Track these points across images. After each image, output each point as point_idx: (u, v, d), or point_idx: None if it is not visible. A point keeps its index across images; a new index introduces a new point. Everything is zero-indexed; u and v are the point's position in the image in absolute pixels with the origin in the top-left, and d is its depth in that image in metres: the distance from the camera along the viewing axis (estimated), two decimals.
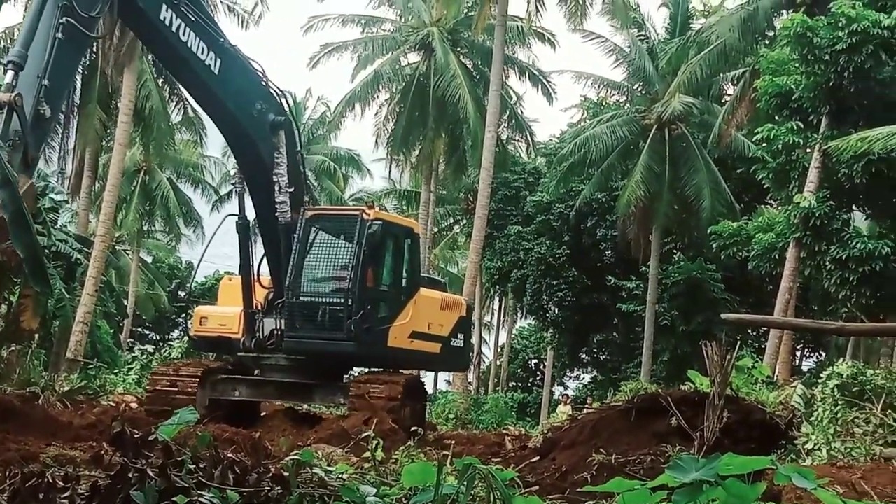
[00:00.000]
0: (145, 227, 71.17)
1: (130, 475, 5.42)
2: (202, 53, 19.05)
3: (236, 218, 22.13)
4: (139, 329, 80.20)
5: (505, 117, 54.34)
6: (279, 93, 21.25)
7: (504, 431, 28.74)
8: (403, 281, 22.29)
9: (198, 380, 20.96)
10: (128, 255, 73.09)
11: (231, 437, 14.08)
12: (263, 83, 20.90)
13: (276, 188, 20.91)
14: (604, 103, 57.18)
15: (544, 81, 55.86)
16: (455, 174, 58.87)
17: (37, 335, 37.85)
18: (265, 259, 21.87)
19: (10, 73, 14.72)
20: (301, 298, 21.07)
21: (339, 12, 56.51)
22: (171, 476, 5.43)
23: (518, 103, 57.83)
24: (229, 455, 6.01)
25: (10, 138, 14.12)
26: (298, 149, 21.91)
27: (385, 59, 56.39)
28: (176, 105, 48.62)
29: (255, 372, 21.74)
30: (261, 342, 21.28)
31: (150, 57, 41.23)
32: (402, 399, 19.71)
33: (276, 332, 21.18)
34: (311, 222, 21.40)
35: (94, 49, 43.36)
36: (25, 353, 30.07)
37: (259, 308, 21.51)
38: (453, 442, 15.11)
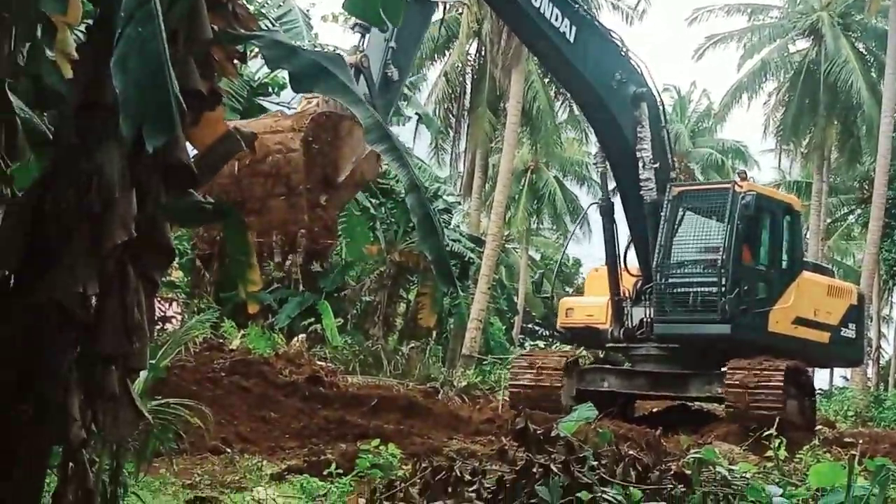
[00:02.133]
0: (533, 226, 72.46)
1: (534, 470, 5.52)
2: (556, 20, 18.48)
3: (599, 201, 21.65)
4: (529, 325, 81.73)
5: None
6: (639, 64, 20.44)
7: None
8: (783, 262, 20.82)
9: (562, 370, 20.38)
10: (517, 252, 74.71)
11: (626, 433, 14.12)
12: (622, 53, 20.17)
13: (640, 165, 20.13)
14: None
15: None
16: (849, 162, 56.59)
17: (434, 332, 39.48)
18: (632, 244, 21.05)
19: (357, 36, 14.76)
20: (670, 280, 20.13)
21: (724, 2, 55.56)
22: (574, 472, 5.48)
23: None
24: (630, 452, 6.00)
25: None
26: (663, 124, 21.08)
27: (772, 48, 55.14)
28: (561, 104, 49.25)
29: (619, 363, 21.13)
30: (630, 332, 20.56)
31: (535, 58, 42.00)
32: (786, 389, 18.24)
33: (645, 320, 20.35)
34: (678, 200, 20.43)
35: (483, 53, 44.74)
36: (424, 349, 31.27)
37: (627, 296, 20.77)
38: (860, 441, 14.44)
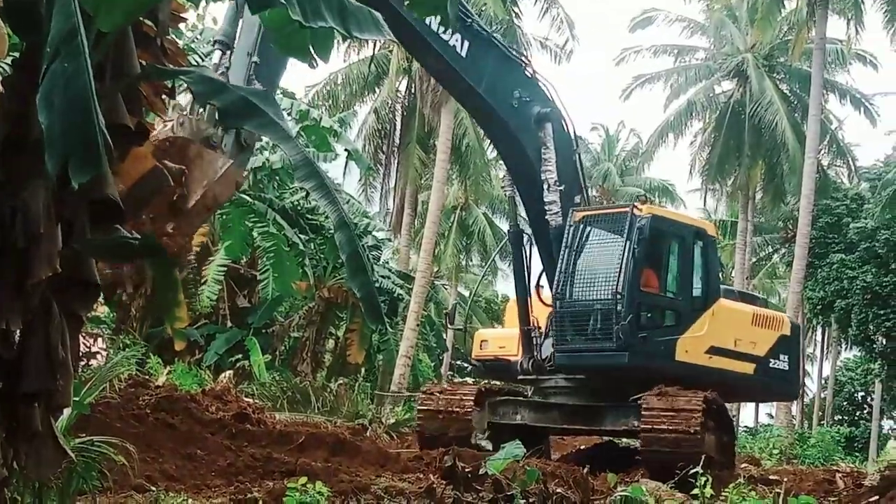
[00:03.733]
0: (463, 262, 72.60)
1: None
2: (446, 34, 17.84)
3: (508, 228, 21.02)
4: (458, 362, 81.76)
5: (825, 142, 52.75)
6: (546, 83, 19.66)
7: (833, 468, 27.60)
8: (693, 288, 19.81)
9: (473, 402, 19.59)
10: (446, 289, 74.79)
11: (553, 470, 14.12)
12: (527, 73, 19.54)
13: (545, 187, 19.43)
14: None
15: (866, 104, 53.93)
16: (773, 202, 57.40)
17: (362, 369, 39.36)
18: (544, 271, 20.16)
19: (218, 53, 14.36)
20: (570, 308, 19.24)
21: (651, 43, 56.43)
22: None
23: (839, 128, 56.04)
24: (558, 490, 6.02)
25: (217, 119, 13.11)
26: (575, 147, 20.35)
27: (698, 88, 55.99)
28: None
29: (530, 395, 20.33)
30: (539, 363, 19.71)
31: None
32: (704, 421, 17.33)
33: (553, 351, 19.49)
34: (580, 224, 19.52)
35: (413, 90, 44.87)
36: (352, 386, 31.15)
37: (537, 326, 19.93)
38: (784, 479, 14.57)
